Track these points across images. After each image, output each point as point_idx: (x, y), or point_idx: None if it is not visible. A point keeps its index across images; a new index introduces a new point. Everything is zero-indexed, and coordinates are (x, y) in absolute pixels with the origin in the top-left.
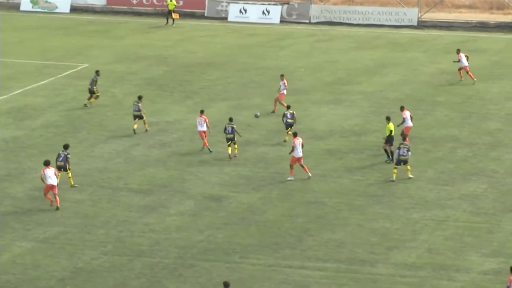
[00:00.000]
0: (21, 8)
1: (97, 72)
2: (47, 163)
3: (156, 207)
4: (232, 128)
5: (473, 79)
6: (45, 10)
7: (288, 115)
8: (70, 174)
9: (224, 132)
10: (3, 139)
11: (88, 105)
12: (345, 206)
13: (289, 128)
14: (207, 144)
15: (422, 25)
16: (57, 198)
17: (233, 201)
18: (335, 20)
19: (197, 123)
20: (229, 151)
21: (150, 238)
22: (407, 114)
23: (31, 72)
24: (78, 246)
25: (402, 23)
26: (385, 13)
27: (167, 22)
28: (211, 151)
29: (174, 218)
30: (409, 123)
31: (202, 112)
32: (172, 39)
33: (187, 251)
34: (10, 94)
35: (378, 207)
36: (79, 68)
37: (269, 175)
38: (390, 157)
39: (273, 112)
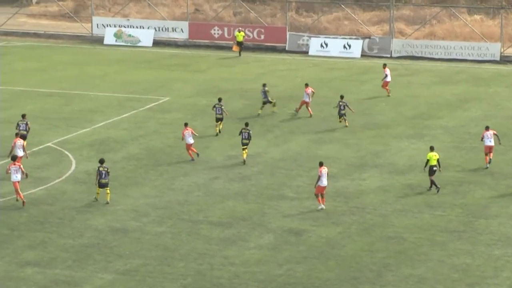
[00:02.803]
0: (105, 42)
1: (264, 85)
2: (14, 158)
3: (236, 240)
4: (249, 133)
5: (388, 93)
6: (128, 44)
7: (342, 107)
8: (108, 191)
9: (240, 135)
10: (85, 172)
11: (260, 114)
12: (425, 242)
13: (342, 117)
14: (192, 155)
15: (504, 59)
16: (20, 194)
17: (313, 235)
18: (416, 55)
19: (186, 136)
20: (244, 157)
21: (229, 271)
22: (486, 133)
23: (114, 105)
24: (158, 279)
25: (485, 58)
26: (467, 48)
27: (239, 54)
28: (193, 159)
29: (254, 252)
30: (487, 142)
31: (186, 125)
32: (253, 72)
33: (266, 285)
34: (93, 126)
35: (459, 243)
36: (160, 101)
37: (348, 209)
38: (435, 186)
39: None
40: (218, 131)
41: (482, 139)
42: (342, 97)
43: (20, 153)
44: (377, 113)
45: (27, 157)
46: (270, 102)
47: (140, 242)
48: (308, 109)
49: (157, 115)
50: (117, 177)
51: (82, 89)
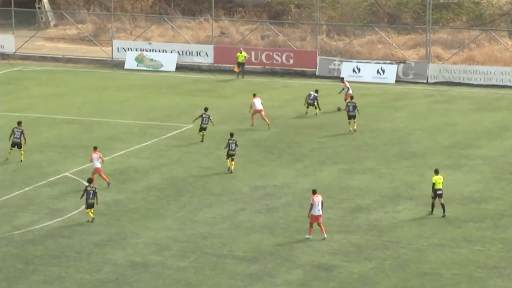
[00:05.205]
0: (126, 67)
1: (316, 91)
2: None
3: (262, 276)
4: (236, 144)
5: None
6: (150, 69)
7: (351, 108)
8: (92, 211)
9: (226, 148)
10: (104, 203)
11: (318, 113)
12: (464, 278)
13: (351, 120)
14: (106, 179)
15: None
16: None
17: (344, 271)
18: (454, 80)
19: (94, 160)
20: (228, 164)
21: None
22: None
23: (135, 133)
24: None
25: None
26: (508, 73)
27: (240, 75)
28: (109, 185)
29: None
30: None
31: (95, 148)
32: (281, 98)
33: None
34: (113, 155)
35: (499, 280)
36: (183, 128)
37: (382, 243)
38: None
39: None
40: (202, 139)
41: None
42: (352, 97)
43: None
44: (412, 141)
45: None
46: (313, 105)
47: (161, 277)
48: (264, 119)
49: (180, 142)
50: (137, 208)
51: (101, 116)
